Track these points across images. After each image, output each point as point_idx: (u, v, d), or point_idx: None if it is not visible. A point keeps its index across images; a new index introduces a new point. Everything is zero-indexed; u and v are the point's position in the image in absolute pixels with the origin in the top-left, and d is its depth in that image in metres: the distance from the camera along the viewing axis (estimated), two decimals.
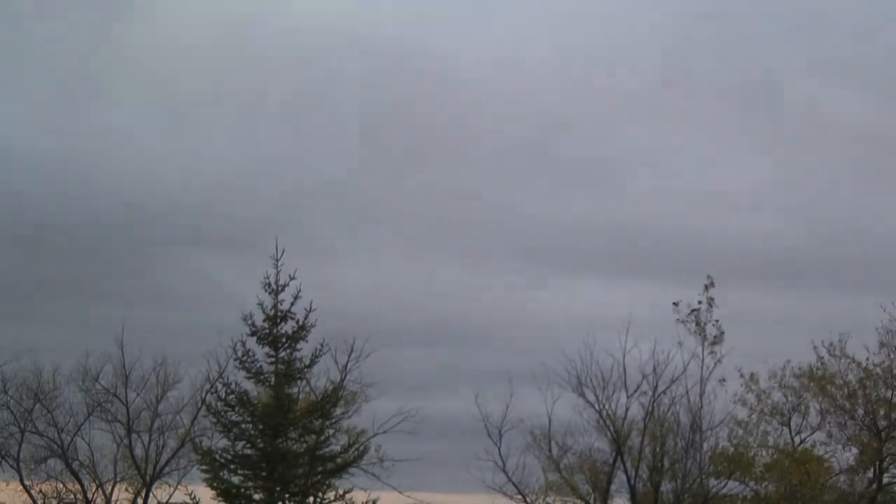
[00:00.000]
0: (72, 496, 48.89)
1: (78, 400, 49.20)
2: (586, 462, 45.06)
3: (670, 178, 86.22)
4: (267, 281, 32.50)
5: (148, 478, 48.29)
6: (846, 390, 45.16)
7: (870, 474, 45.54)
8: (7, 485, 48.97)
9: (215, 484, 32.36)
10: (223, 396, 32.70)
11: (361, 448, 36.29)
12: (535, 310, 70.62)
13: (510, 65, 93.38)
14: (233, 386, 32.65)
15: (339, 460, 33.39)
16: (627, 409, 43.55)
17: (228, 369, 38.70)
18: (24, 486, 48.71)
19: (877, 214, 78.06)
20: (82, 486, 48.69)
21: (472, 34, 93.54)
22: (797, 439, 46.40)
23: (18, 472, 48.64)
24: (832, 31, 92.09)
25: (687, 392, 43.20)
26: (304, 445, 33.17)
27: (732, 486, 45.35)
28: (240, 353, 32.54)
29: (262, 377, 32.70)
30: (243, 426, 32.60)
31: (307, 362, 32.85)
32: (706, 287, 42.96)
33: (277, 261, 32.36)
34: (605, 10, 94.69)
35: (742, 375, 45.52)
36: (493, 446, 44.26)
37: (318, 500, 32.69)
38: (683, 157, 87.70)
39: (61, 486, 49.11)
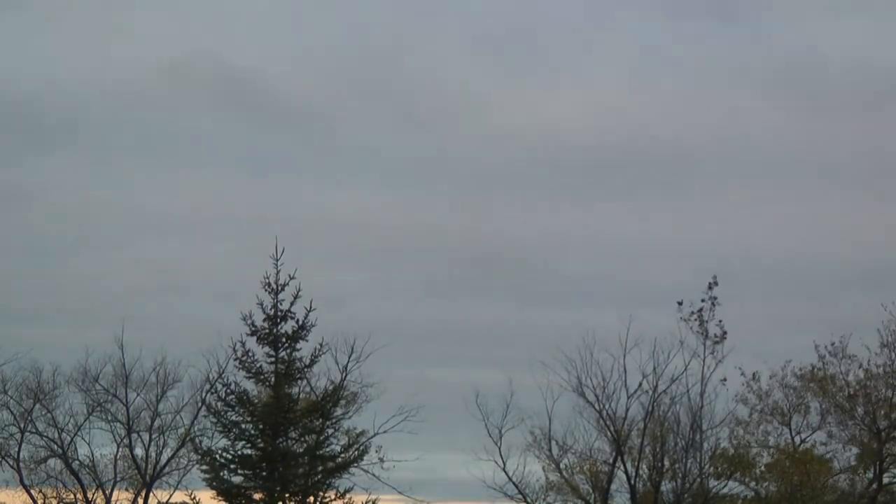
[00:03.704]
0: (72, 496, 48.87)
1: (78, 400, 49.24)
2: (586, 462, 45.07)
3: None
4: (267, 281, 32.48)
5: (148, 478, 48.28)
6: (847, 391, 45.16)
7: (870, 474, 45.53)
8: (6, 486, 49.00)
9: (215, 484, 32.36)
10: (223, 396, 32.69)
11: (361, 448, 36.30)
12: None
13: None
14: (233, 386, 32.64)
15: (339, 460, 33.39)
16: (627, 409, 43.61)
17: (228, 369, 38.73)
18: (25, 487, 48.70)
19: None
20: (82, 486, 48.65)
21: None
22: (797, 439, 46.42)
23: (18, 472, 48.62)
24: None
25: (688, 391, 43.24)
26: (304, 445, 33.15)
27: (733, 486, 45.41)
28: (240, 353, 32.52)
29: (262, 377, 32.68)
30: (243, 426, 32.59)
31: (307, 362, 32.83)
32: (710, 286, 42.95)
33: (277, 260, 32.35)
34: None
35: (743, 374, 45.56)
36: (493, 446, 44.31)
37: (319, 500, 32.69)
38: None
39: (61, 486, 49.10)
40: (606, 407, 43.51)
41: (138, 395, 49.11)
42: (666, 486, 43.87)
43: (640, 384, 43.17)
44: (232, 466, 32.48)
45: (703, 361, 42.83)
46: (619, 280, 75.74)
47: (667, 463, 43.85)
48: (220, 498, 32.38)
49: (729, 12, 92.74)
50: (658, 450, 43.89)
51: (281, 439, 32.47)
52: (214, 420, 33.70)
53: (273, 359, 32.48)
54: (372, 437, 44.91)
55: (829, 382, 45.34)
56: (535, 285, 77.48)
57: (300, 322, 32.39)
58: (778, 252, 78.50)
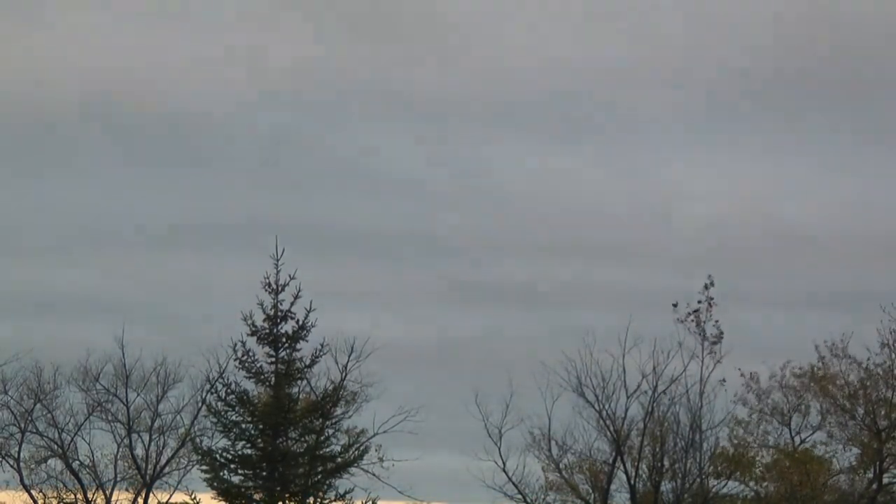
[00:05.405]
0: (72, 496, 48.88)
1: (78, 400, 49.22)
2: (586, 462, 45.07)
3: None
4: (267, 281, 32.53)
5: (148, 478, 48.29)
6: (847, 390, 45.17)
7: (870, 474, 45.53)
8: (6, 486, 49.01)
9: (215, 484, 32.40)
10: (223, 396, 32.77)
11: (361, 448, 36.32)
12: None
13: None
14: (233, 386, 32.72)
15: (339, 460, 33.44)
16: (627, 409, 43.59)
17: (228, 369, 38.67)
18: (25, 487, 48.72)
19: None
20: (82, 486, 48.66)
21: None
22: (797, 439, 46.44)
23: (19, 472, 48.64)
24: None
25: (687, 392, 43.25)
26: (304, 445, 33.20)
27: (732, 487, 45.42)
28: (240, 353, 32.61)
29: (262, 377, 32.75)
30: (243, 426, 32.66)
31: (307, 362, 32.90)
32: (706, 286, 42.96)
33: (277, 261, 32.40)
34: None
35: (742, 375, 45.55)
36: (492, 446, 44.31)
37: (318, 500, 32.73)
38: None
39: (61, 486, 49.11)
40: (606, 407, 43.54)
41: (139, 395, 49.14)
42: (666, 486, 43.90)
43: (640, 384, 43.26)
44: (232, 466, 32.56)
45: (702, 362, 42.90)
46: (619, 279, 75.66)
47: (666, 463, 43.87)
48: (220, 498, 32.45)
49: None
50: (658, 450, 43.90)
51: (281, 439, 32.54)
52: (214, 420, 33.78)
53: (273, 359, 32.55)
54: (372, 437, 44.81)
55: (829, 382, 45.36)
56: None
57: (300, 322, 32.46)
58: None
